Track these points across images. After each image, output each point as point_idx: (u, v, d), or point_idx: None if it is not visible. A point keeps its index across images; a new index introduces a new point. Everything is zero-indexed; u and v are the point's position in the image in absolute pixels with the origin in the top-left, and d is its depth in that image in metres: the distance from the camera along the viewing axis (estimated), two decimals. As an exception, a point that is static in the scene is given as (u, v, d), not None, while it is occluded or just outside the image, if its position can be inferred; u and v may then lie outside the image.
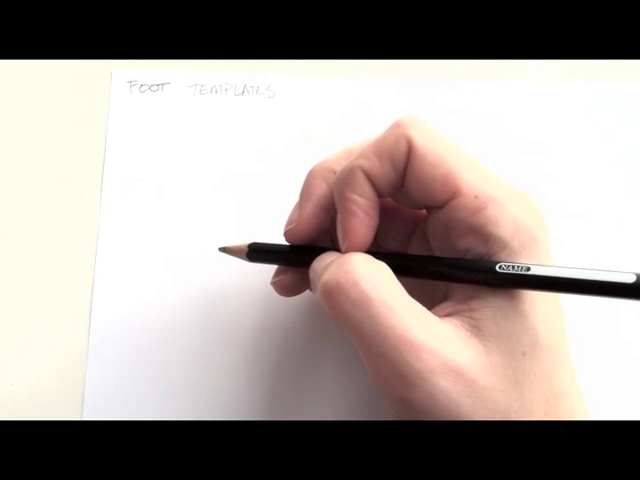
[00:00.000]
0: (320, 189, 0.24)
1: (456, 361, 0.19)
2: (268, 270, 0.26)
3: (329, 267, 0.21)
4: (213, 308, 0.29)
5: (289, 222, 0.25)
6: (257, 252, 0.25)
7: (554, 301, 0.21)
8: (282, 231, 0.25)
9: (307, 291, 0.26)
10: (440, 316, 0.21)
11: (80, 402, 0.28)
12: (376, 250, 0.23)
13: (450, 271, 0.21)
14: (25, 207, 0.31)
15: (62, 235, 0.30)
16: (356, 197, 0.22)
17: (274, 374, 0.29)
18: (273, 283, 0.26)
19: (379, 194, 0.22)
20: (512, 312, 0.20)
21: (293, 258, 0.25)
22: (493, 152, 0.31)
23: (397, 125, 0.22)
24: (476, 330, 0.20)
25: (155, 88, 0.32)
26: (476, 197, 0.21)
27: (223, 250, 0.27)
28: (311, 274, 0.23)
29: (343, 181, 0.22)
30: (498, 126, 0.31)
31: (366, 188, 0.22)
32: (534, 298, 0.20)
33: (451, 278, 0.22)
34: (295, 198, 0.30)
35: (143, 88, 0.32)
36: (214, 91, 0.32)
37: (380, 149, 0.22)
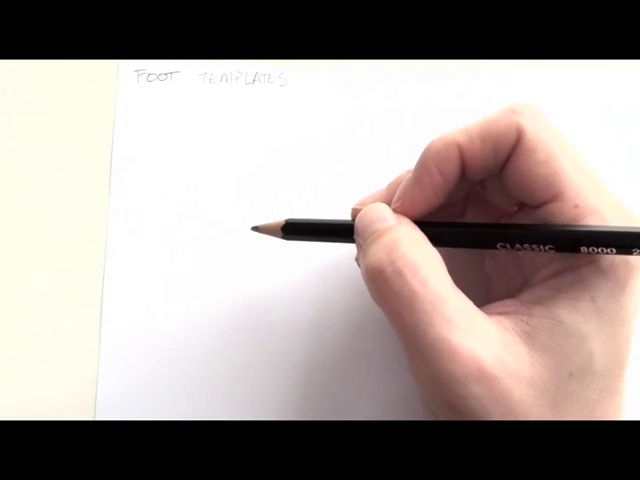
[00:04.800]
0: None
1: (493, 368, 0.18)
2: (284, 272, 0.25)
3: (376, 243, 0.20)
4: (228, 307, 0.28)
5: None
6: (295, 227, 0.24)
7: (626, 329, 0.20)
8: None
9: (327, 295, 0.25)
10: (495, 313, 0.20)
11: (93, 403, 0.28)
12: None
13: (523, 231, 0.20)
14: (34, 202, 0.30)
15: (71, 230, 0.29)
16: (435, 171, 0.20)
17: (290, 377, 0.28)
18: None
19: (468, 177, 0.21)
20: (572, 330, 0.19)
21: (335, 232, 0.23)
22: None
23: (512, 110, 0.20)
24: (527, 337, 0.19)
25: (163, 77, 0.30)
26: (576, 206, 0.19)
27: (256, 229, 0.25)
28: (357, 236, 0.21)
29: (434, 150, 0.20)
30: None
31: (452, 167, 0.20)
32: (602, 321, 0.19)
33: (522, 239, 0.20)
34: (307, 191, 0.29)
35: (151, 77, 0.30)
36: (224, 80, 0.30)
37: (487, 131, 0.20)
